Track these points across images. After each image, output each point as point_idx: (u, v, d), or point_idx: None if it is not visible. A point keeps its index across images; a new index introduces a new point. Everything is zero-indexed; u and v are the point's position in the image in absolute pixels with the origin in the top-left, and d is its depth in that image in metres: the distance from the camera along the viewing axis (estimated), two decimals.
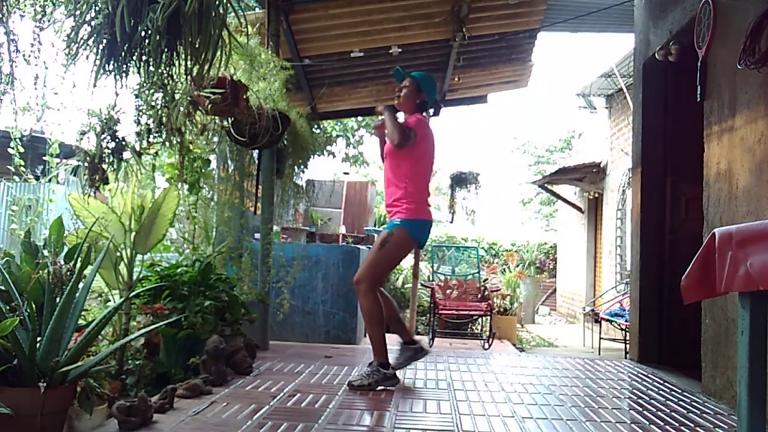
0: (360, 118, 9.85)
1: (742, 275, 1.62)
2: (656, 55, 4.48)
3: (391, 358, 3.45)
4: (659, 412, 3.00)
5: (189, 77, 2.24)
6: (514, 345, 8.16)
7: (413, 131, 3.50)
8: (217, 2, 2.07)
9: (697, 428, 2.74)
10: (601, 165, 9.87)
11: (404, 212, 3.46)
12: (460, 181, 8.93)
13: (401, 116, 3.65)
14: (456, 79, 6.82)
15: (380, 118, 3.64)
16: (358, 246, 6.65)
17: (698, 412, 3.06)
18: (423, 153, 3.57)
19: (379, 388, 3.31)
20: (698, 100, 3.66)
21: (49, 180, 5.47)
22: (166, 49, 2.06)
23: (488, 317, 7.36)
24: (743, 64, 3.01)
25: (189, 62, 2.11)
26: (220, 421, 2.54)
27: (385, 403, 2.98)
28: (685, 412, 3.05)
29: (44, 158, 5.26)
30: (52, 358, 2.17)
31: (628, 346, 5.41)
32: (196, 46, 2.05)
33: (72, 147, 3.07)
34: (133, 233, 3.26)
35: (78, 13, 2.02)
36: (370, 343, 3.45)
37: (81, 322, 2.59)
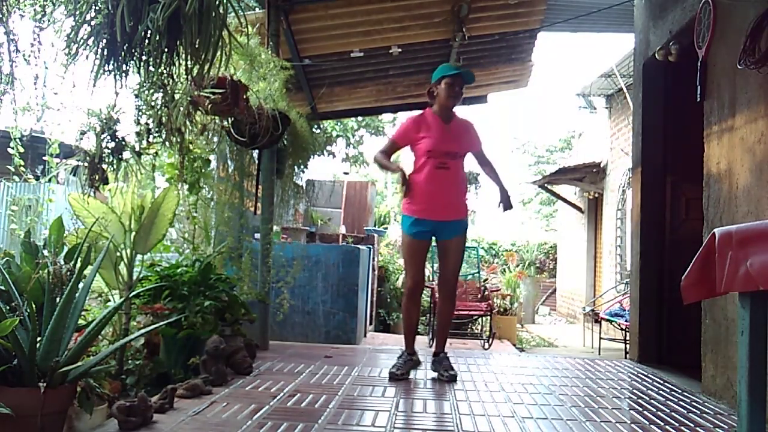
0: (360, 118, 9.84)
1: (742, 275, 1.62)
2: (656, 55, 4.48)
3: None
4: (659, 412, 3.00)
5: (189, 77, 2.24)
6: (514, 345, 8.17)
7: None
8: (217, 2, 2.07)
9: (697, 428, 2.74)
10: (601, 165, 9.87)
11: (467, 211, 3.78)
12: None
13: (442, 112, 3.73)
14: None
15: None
16: (358, 246, 6.64)
17: (698, 412, 3.06)
18: None
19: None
20: (698, 100, 3.65)
21: (49, 180, 5.46)
22: (166, 49, 2.06)
23: (488, 317, 7.36)
24: (743, 64, 3.01)
25: (189, 62, 2.10)
26: (220, 421, 2.55)
27: (385, 403, 2.98)
28: (685, 412, 3.05)
29: (44, 158, 5.26)
30: (52, 358, 2.16)
31: (628, 346, 5.42)
32: (196, 46, 2.05)
33: (72, 147, 3.06)
34: (133, 233, 3.26)
35: (78, 13, 2.01)
36: (444, 337, 3.86)
37: (81, 322, 2.59)
